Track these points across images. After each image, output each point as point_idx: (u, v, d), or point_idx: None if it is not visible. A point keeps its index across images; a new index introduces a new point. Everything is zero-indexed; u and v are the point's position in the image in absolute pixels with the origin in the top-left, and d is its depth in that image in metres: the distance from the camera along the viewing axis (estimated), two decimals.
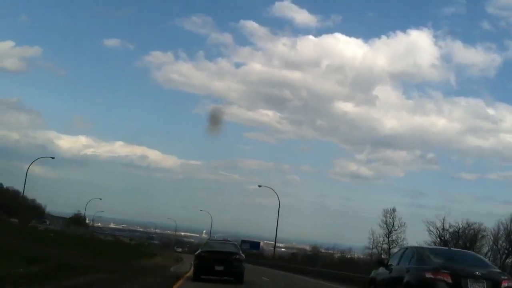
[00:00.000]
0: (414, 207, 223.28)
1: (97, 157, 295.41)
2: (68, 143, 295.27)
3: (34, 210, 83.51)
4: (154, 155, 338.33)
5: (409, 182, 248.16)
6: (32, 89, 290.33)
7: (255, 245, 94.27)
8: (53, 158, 74.00)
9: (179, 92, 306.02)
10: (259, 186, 64.74)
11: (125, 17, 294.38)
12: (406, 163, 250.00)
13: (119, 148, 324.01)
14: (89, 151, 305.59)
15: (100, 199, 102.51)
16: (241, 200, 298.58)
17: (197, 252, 20.23)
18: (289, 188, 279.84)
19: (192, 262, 22.06)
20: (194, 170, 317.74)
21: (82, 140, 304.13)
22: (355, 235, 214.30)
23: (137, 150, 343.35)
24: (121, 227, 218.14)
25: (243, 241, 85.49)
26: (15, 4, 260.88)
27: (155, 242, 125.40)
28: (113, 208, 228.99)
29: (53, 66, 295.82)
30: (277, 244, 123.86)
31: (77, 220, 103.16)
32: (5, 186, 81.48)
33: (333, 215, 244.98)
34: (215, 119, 32.57)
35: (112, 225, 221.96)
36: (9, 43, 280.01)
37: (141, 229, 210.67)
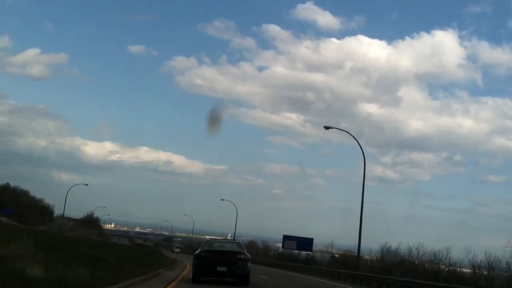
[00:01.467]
0: (442, 211, 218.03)
1: (122, 163, 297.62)
2: (94, 149, 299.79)
3: (42, 211, 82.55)
4: (178, 160, 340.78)
5: (435, 185, 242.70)
6: (58, 95, 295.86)
7: (305, 243, 62.84)
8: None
9: (202, 97, 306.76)
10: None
11: (149, 23, 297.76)
12: (432, 166, 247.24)
13: (144, 154, 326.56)
14: (114, 157, 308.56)
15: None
16: (265, 204, 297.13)
17: (196, 252, 18.41)
18: (313, 192, 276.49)
19: (192, 263, 19.89)
20: (218, 175, 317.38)
21: (108, 146, 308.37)
22: (380, 239, 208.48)
23: (162, 156, 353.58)
24: (146, 231, 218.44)
25: (285, 237, 63.50)
26: (40, 12, 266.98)
27: (178, 245, 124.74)
28: (139, 213, 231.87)
29: (78, 72, 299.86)
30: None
31: (90, 221, 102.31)
32: (31, 193, 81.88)
33: (357, 219, 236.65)
34: (214, 119, 30.67)
35: (138, 229, 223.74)
36: (35, 51, 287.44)
37: (166, 233, 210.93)
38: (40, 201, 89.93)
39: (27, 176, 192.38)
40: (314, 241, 64.27)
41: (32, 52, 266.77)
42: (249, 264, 17.87)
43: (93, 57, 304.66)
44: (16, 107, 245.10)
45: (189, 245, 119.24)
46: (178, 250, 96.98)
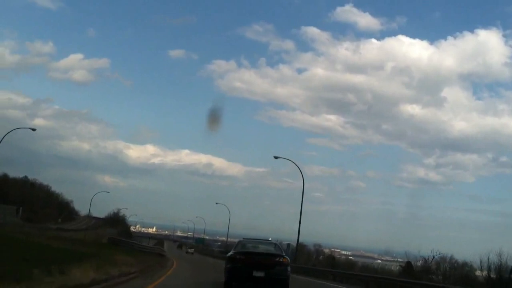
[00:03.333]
0: (487, 214, 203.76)
1: (164, 166, 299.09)
2: (136, 152, 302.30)
3: (61, 208, 77.95)
4: (219, 163, 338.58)
5: (480, 187, 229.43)
6: (101, 100, 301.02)
7: None
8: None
9: (242, 100, 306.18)
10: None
11: (188, 27, 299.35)
12: (477, 167, 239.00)
13: (185, 157, 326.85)
14: (156, 160, 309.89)
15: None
16: (305, 207, 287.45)
17: (229, 254, 16.52)
18: (354, 195, 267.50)
19: (224, 266, 17.28)
20: (259, 177, 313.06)
21: (150, 149, 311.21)
22: (424, 243, 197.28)
23: (203, 158, 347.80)
24: (187, 234, 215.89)
25: None
26: (83, 18, 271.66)
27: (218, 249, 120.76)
28: (179, 217, 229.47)
29: (120, 77, 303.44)
30: (344, 252, 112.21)
31: (116, 219, 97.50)
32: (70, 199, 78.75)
33: (400, 222, 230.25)
34: (214, 116, 31.30)
35: (179, 233, 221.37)
36: (78, 56, 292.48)
37: (207, 237, 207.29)
38: (57, 197, 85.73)
39: (72, 179, 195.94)
40: (358, 246, 56.64)
41: (75, 58, 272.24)
42: (289, 269, 16.00)
43: (134, 62, 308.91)
44: (60, 111, 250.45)
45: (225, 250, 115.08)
46: (192, 250, 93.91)
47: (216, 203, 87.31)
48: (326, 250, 79.77)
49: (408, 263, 51.44)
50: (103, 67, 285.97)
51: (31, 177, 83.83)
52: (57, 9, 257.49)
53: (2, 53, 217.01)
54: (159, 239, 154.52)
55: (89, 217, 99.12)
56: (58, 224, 59.71)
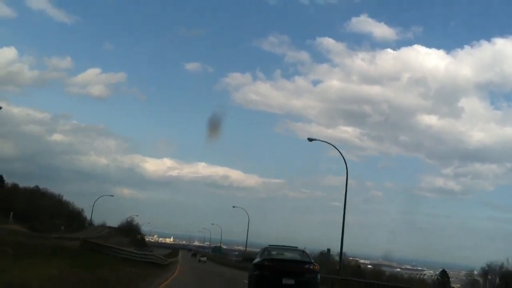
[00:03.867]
0: (507, 222, 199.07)
1: (181, 178, 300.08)
2: (153, 165, 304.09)
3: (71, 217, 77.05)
4: (236, 174, 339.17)
5: (500, 196, 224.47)
6: (118, 114, 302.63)
7: None
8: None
9: (258, 112, 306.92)
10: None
11: (204, 40, 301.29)
12: (496, 177, 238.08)
13: (202, 169, 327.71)
14: (173, 173, 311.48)
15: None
16: (323, 217, 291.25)
17: (256, 261, 16.16)
18: (372, 205, 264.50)
19: (249, 274, 17.29)
20: (276, 188, 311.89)
21: (167, 162, 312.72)
22: (443, 252, 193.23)
23: (219, 171, 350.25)
24: (204, 244, 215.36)
25: None
26: (99, 32, 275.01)
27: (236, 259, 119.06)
28: (197, 227, 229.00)
29: (137, 91, 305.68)
30: (362, 261, 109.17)
31: (129, 228, 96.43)
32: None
33: (418, 232, 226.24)
34: (214, 124, 31.01)
35: (196, 243, 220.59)
36: (96, 70, 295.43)
37: (225, 247, 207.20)
38: (68, 205, 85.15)
39: (90, 192, 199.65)
40: (376, 255, 54.40)
41: (92, 72, 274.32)
42: (319, 276, 15.75)
43: (150, 76, 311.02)
44: (78, 127, 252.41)
45: (246, 257, 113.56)
46: (204, 259, 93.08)
47: (233, 207, 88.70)
48: (349, 259, 77.26)
49: (444, 273, 49.29)
50: (119, 81, 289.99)
51: (52, 190, 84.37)
52: (73, 23, 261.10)
53: (21, 69, 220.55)
54: (174, 249, 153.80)
55: (102, 226, 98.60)
56: (61, 232, 58.57)
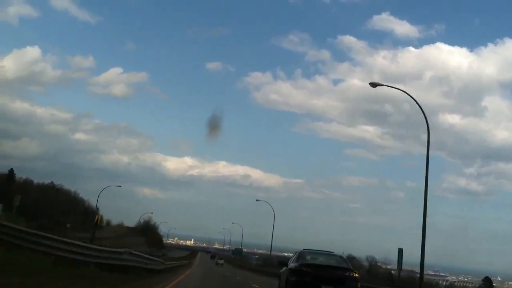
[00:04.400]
0: None
1: (202, 177, 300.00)
2: (174, 164, 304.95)
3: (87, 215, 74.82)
4: (256, 174, 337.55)
5: None
6: (140, 113, 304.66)
7: None
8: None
9: (278, 112, 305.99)
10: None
11: (225, 39, 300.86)
12: None
13: (222, 168, 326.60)
14: (194, 172, 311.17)
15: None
16: (343, 218, 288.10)
17: (292, 266, 15.64)
18: (393, 205, 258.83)
19: (281, 279, 16.64)
20: (296, 188, 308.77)
21: (188, 161, 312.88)
22: (467, 256, 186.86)
23: (240, 170, 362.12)
24: (224, 247, 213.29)
25: None
26: (122, 32, 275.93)
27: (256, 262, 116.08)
28: (217, 229, 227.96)
29: (158, 90, 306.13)
30: (383, 266, 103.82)
31: (146, 227, 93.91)
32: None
33: (440, 234, 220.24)
34: (214, 124, 30.89)
35: (216, 246, 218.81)
36: (118, 70, 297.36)
37: (245, 250, 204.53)
38: (83, 203, 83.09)
39: (111, 191, 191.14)
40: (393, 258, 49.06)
41: (114, 72, 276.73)
42: (359, 285, 14.94)
43: (172, 75, 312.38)
44: (101, 126, 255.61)
45: (268, 261, 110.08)
46: (222, 261, 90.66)
47: (257, 200, 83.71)
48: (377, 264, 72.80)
49: (487, 280, 45.29)
50: (141, 80, 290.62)
51: (73, 188, 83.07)
52: (96, 23, 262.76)
53: (44, 68, 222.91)
54: (192, 251, 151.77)
55: (119, 225, 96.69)
56: (67, 230, 56.18)
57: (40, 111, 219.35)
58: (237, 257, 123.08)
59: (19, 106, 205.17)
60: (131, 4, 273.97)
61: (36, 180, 74.78)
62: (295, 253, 17.04)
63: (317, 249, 17.56)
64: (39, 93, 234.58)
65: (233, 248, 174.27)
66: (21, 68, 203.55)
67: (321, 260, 15.79)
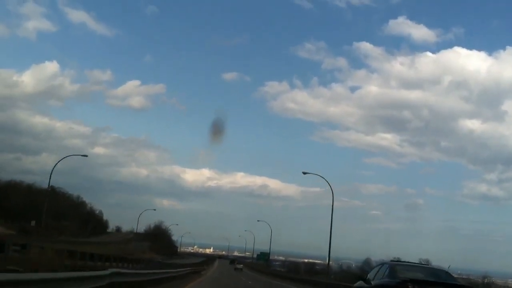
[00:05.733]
0: None
1: (219, 188, 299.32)
2: (192, 176, 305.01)
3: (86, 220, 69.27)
4: (274, 184, 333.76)
5: None
6: (158, 125, 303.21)
7: None
8: (155, 210, 70.57)
9: (295, 121, 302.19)
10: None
11: (241, 48, 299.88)
12: None
13: (240, 179, 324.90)
14: (212, 183, 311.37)
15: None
16: (363, 226, 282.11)
17: (385, 282, 13.01)
18: (413, 213, 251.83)
19: None
20: (314, 197, 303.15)
21: (206, 172, 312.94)
22: (490, 260, 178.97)
23: (258, 180, 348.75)
24: (244, 254, 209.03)
25: None
26: (139, 45, 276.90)
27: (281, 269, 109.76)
28: (236, 238, 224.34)
29: (176, 102, 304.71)
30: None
31: (157, 233, 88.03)
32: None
33: (462, 240, 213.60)
34: (217, 129, 29.79)
35: (236, 253, 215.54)
36: (135, 82, 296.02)
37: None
38: (84, 206, 77.81)
39: (132, 203, 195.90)
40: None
41: (132, 84, 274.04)
42: None
43: (189, 86, 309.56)
44: (119, 139, 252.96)
45: (292, 268, 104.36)
46: (240, 266, 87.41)
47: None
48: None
49: None
50: (159, 92, 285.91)
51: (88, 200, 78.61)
52: (114, 36, 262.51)
53: (63, 83, 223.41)
54: (209, 257, 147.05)
55: (129, 232, 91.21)
56: (60, 236, 50.32)
57: (59, 125, 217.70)
58: (260, 263, 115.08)
59: (39, 120, 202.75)
60: (147, 16, 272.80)
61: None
62: (378, 265, 14.95)
63: (407, 261, 15.24)
64: (58, 108, 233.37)
65: (258, 253, 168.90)
66: (40, 83, 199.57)
67: (423, 275, 13.13)
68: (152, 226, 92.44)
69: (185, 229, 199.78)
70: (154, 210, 74.48)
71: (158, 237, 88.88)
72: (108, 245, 56.74)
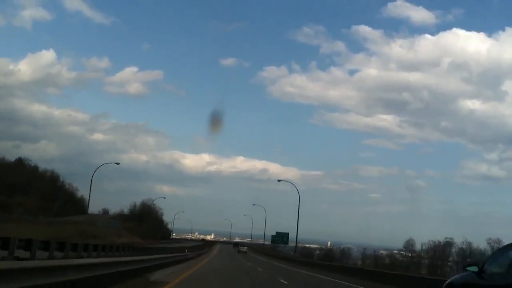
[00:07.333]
0: None
1: (220, 173, 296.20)
2: (192, 161, 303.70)
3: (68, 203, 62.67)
4: (274, 168, 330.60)
5: None
6: (156, 111, 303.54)
7: None
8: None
9: (295, 104, 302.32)
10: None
11: (239, 34, 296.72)
12: None
13: (240, 163, 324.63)
14: (212, 168, 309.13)
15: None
16: (363, 209, 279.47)
17: None
18: (413, 194, 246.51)
19: None
20: (314, 180, 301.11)
21: (205, 157, 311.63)
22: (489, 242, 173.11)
23: (258, 164, 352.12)
24: (246, 241, 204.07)
25: None
26: (136, 32, 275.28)
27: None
28: (236, 223, 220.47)
29: (174, 88, 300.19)
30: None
31: (143, 212, 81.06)
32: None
33: (463, 221, 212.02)
34: (216, 119, 29.44)
35: (237, 239, 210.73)
36: (133, 69, 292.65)
37: (267, 243, 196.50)
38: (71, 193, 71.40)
39: (132, 189, 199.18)
40: None
41: (130, 71, 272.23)
42: None
43: (187, 72, 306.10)
44: (118, 125, 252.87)
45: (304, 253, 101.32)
46: (245, 249, 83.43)
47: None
48: None
49: None
50: (157, 78, 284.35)
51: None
52: (110, 23, 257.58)
53: (60, 71, 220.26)
54: (208, 242, 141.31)
55: (118, 213, 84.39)
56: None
57: (58, 112, 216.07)
58: (281, 246, 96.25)
59: (37, 108, 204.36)
60: (144, 2, 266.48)
61: None
62: (498, 249, 10.93)
63: None
64: (56, 95, 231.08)
65: (253, 241, 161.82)
66: (37, 72, 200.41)
67: None
68: (138, 204, 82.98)
69: (186, 216, 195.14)
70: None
71: (144, 217, 78.97)
72: (66, 225, 49.54)
